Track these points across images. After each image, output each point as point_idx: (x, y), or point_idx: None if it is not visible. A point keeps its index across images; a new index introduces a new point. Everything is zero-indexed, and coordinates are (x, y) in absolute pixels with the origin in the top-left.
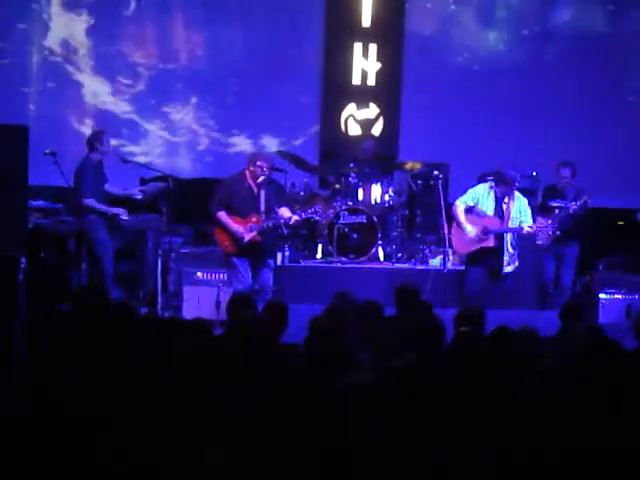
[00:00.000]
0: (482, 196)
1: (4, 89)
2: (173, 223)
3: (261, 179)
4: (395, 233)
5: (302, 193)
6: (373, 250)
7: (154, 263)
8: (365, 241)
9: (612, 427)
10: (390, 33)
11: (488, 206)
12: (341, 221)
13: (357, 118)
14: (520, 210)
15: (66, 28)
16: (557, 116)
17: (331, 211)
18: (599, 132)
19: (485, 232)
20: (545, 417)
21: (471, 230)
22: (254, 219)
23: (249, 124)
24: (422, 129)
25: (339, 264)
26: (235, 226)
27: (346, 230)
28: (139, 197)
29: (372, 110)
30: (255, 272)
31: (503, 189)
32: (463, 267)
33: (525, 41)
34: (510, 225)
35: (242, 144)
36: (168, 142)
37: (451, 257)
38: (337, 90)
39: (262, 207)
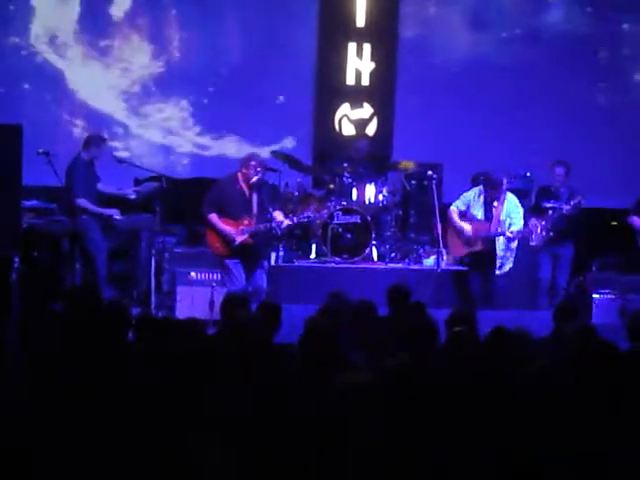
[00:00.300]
0: (473, 200)
1: None
2: (167, 223)
3: (255, 179)
4: (389, 233)
5: (296, 193)
6: (367, 250)
7: (148, 263)
8: (359, 241)
9: (606, 428)
10: (384, 33)
11: (478, 209)
12: (335, 221)
13: (351, 118)
14: (509, 212)
15: (55, 20)
16: (551, 116)
17: (325, 211)
18: (593, 132)
19: (474, 237)
20: (539, 418)
21: (467, 227)
22: (246, 222)
23: (242, 124)
24: (416, 129)
25: (333, 264)
26: (227, 228)
27: (340, 230)
28: (133, 197)
29: (366, 110)
30: (248, 274)
31: (491, 193)
32: (459, 268)
33: (518, 41)
34: (498, 228)
35: (235, 144)
36: (157, 142)
37: (445, 257)
38: (331, 90)
39: (254, 210)
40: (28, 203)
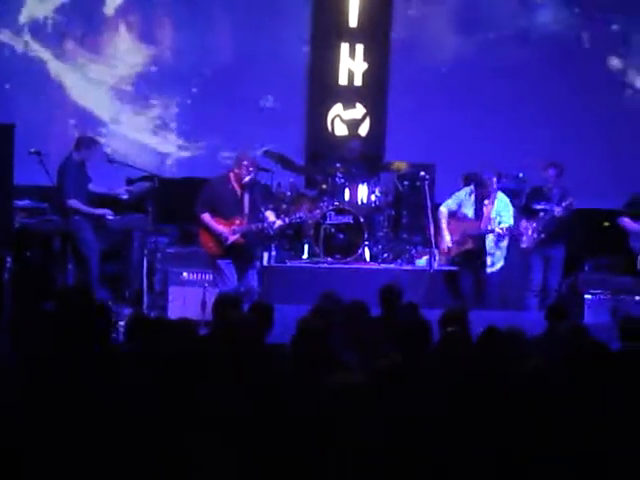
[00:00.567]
0: (464, 199)
1: None
2: (159, 223)
3: (247, 179)
4: (381, 233)
5: (288, 193)
6: (359, 250)
7: (140, 263)
8: (351, 241)
9: (599, 427)
10: (377, 34)
11: (469, 208)
12: (327, 221)
13: (344, 118)
14: (499, 211)
15: (42, 13)
16: (543, 117)
17: (317, 211)
18: (585, 133)
19: (464, 236)
20: (533, 417)
21: (447, 240)
22: (238, 221)
23: (234, 124)
24: (408, 130)
25: (325, 264)
26: (219, 228)
27: (332, 230)
28: (125, 197)
29: (358, 110)
30: (240, 274)
31: (482, 191)
32: (451, 268)
33: (508, 42)
34: (488, 226)
35: (226, 144)
36: (143, 141)
37: (437, 257)
38: (324, 90)
39: (246, 209)
40: (20, 203)
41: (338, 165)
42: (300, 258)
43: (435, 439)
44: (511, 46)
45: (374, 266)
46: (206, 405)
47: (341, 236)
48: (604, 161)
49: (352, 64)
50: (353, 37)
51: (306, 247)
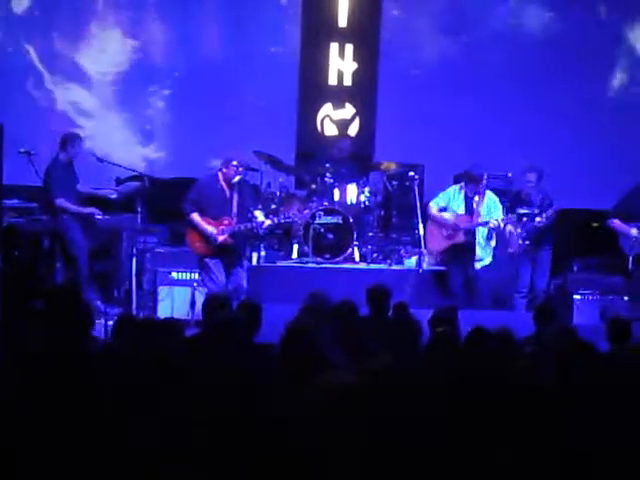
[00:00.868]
0: (453, 196)
1: None
2: (148, 223)
3: (236, 179)
4: (371, 233)
5: (278, 193)
6: (349, 250)
7: (129, 263)
8: (341, 241)
9: (588, 428)
10: (366, 34)
11: (459, 205)
12: (317, 221)
13: (333, 118)
14: (489, 208)
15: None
16: (531, 118)
17: (307, 211)
18: (574, 134)
19: (455, 229)
20: (519, 417)
21: (449, 217)
22: (226, 221)
23: (224, 123)
24: (398, 130)
25: (315, 264)
26: (208, 228)
27: (322, 230)
28: (114, 197)
29: (348, 110)
30: (228, 273)
31: (472, 187)
32: (440, 268)
33: (498, 44)
34: (479, 219)
35: (216, 143)
36: (131, 140)
37: (427, 257)
38: (313, 90)
39: (235, 209)
40: (9, 202)
41: (327, 165)
42: (289, 258)
43: (424, 439)
44: (499, 47)
45: (363, 266)
46: (195, 404)
47: (330, 236)
48: (592, 161)
49: (342, 64)
50: (343, 37)
51: (295, 247)
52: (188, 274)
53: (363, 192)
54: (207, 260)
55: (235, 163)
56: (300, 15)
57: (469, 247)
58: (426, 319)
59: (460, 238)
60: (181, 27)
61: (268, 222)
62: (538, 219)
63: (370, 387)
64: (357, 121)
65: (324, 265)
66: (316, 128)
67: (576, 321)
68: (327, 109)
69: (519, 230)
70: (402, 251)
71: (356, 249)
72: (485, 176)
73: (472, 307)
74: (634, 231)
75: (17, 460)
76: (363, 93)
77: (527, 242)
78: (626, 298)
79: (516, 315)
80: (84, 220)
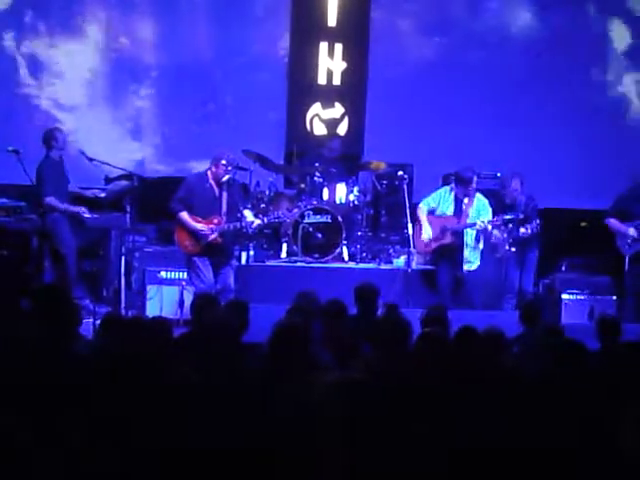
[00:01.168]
0: (443, 197)
1: None
2: (137, 222)
3: (225, 178)
4: (360, 233)
5: (267, 192)
6: (338, 250)
7: (118, 262)
8: (330, 241)
9: (577, 426)
10: (356, 33)
11: (448, 206)
12: (306, 220)
13: (322, 117)
14: (479, 210)
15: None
16: (520, 117)
17: (296, 210)
18: (561, 133)
19: (443, 230)
20: (507, 415)
21: (427, 233)
22: (215, 220)
23: (212, 122)
24: (387, 129)
25: (304, 264)
26: (197, 226)
27: (311, 230)
28: (103, 195)
29: (337, 110)
30: (216, 272)
31: (462, 189)
32: (429, 267)
33: (486, 44)
34: (467, 221)
35: (205, 142)
36: (118, 138)
37: (415, 257)
38: (303, 89)
39: (224, 208)
40: None
41: (317, 164)
42: (278, 257)
43: (412, 438)
44: (487, 47)
45: (352, 265)
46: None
47: (319, 235)
48: (580, 161)
49: (331, 63)
50: (332, 36)
51: (284, 246)
52: (177, 273)
53: (352, 191)
54: (195, 259)
55: (224, 162)
56: (289, 14)
57: (457, 248)
58: (415, 318)
59: (448, 239)
60: (169, 24)
61: (257, 222)
62: (523, 230)
63: (359, 386)
64: (346, 120)
65: (313, 264)
66: (305, 127)
67: (564, 321)
68: (316, 108)
69: (505, 235)
70: (391, 250)
71: (345, 248)
72: (475, 179)
73: (461, 307)
74: (632, 230)
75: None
76: (352, 92)
77: (513, 249)
78: (614, 297)
79: (505, 315)
80: (73, 219)
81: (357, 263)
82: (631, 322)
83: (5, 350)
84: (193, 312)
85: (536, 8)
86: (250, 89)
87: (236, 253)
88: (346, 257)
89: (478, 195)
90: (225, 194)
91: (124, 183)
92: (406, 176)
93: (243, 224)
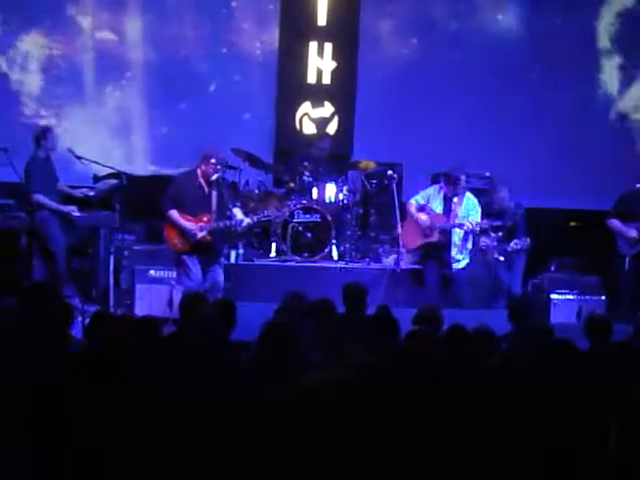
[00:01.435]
0: (432, 196)
1: None
2: (126, 220)
3: (214, 177)
4: (349, 232)
5: (256, 191)
6: (327, 249)
7: (106, 260)
8: (319, 240)
9: (565, 427)
10: (345, 32)
11: (437, 205)
12: (295, 220)
13: (312, 117)
14: (468, 210)
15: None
16: (509, 117)
17: (285, 210)
18: (550, 133)
19: (431, 228)
20: (495, 414)
21: (424, 218)
22: (205, 219)
23: (201, 119)
24: (376, 129)
25: (293, 263)
26: (187, 225)
27: (300, 229)
28: (91, 194)
29: (327, 109)
30: (206, 270)
31: (451, 189)
32: (417, 267)
33: (473, 43)
34: (456, 220)
35: (194, 140)
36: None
37: (405, 256)
38: (292, 88)
39: (213, 207)
40: None
41: (306, 163)
42: (267, 256)
43: (399, 438)
44: (476, 46)
45: (341, 264)
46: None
47: (309, 234)
48: (569, 161)
49: (320, 62)
50: (322, 36)
51: (274, 245)
52: (166, 272)
53: (342, 191)
54: (185, 257)
55: (214, 161)
56: (279, 13)
57: (444, 247)
58: (403, 317)
59: (435, 237)
60: (158, 21)
61: (247, 220)
62: (513, 245)
63: (350, 385)
64: (336, 120)
65: (302, 263)
66: (295, 126)
67: (553, 320)
68: (306, 107)
69: (495, 243)
70: (380, 250)
71: (334, 247)
72: (463, 179)
73: (450, 306)
74: (633, 232)
75: None
76: (342, 92)
77: (502, 258)
78: (603, 297)
79: (494, 314)
80: (62, 217)
81: (346, 262)
82: (623, 322)
83: None
84: (182, 311)
85: (532, 6)
86: (239, 88)
87: (225, 252)
88: (335, 256)
89: (468, 195)
90: (215, 193)
91: (113, 182)
92: (395, 175)
93: (233, 223)
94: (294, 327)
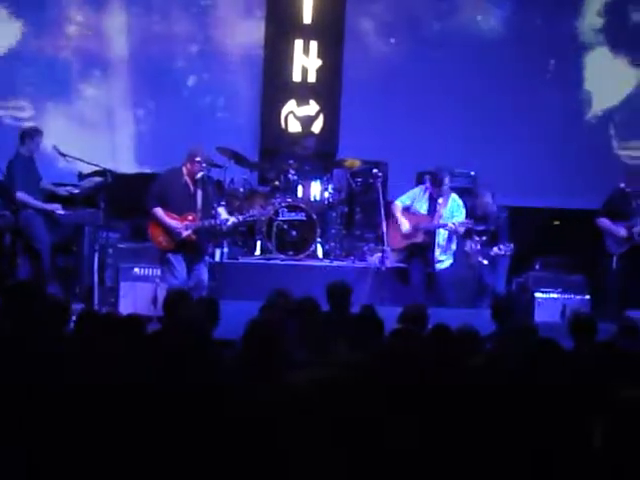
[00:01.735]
0: (418, 196)
1: None
2: (111, 218)
3: (200, 175)
4: (334, 230)
5: (241, 189)
6: (312, 247)
7: (91, 258)
8: (304, 238)
9: (546, 426)
10: (331, 30)
11: (422, 205)
12: (280, 218)
13: (297, 115)
14: (452, 211)
15: None
16: (494, 115)
17: (270, 208)
18: (533, 132)
19: (416, 229)
20: (479, 416)
21: (406, 224)
22: (190, 217)
23: (186, 117)
24: (362, 127)
25: (278, 261)
26: (172, 222)
27: (285, 227)
28: (76, 192)
29: (312, 107)
30: (190, 268)
31: (435, 189)
32: (402, 265)
33: (459, 43)
34: (440, 221)
35: (179, 138)
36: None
37: (389, 255)
38: (277, 86)
39: (199, 205)
40: None
41: (291, 162)
42: (252, 255)
43: (384, 437)
44: (462, 45)
45: (326, 263)
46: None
47: (294, 233)
48: (553, 160)
49: (306, 61)
50: (307, 34)
51: (258, 244)
52: (150, 270)
53: (327, 189)
54: (169, 255)
55: (199, 159)
56: (265, 11)
57: (428, 247)
58: (388, 316)
59: (419, 238)
60: (142, 16)
61: (233, 219)
62: (496, 250)
63: (335, 384)
64: (321, 118)
65: (287, 262)
66: (280, 124)
67: (538, 319)
68: (291, 106)
69: (479, 247)
70: (365, 248)
71: (319, 246)
72: (447, 181)
73: (434, 305)
74: (622, 231)
75: None
76: (327, 90)
77: (485, 261)
78: (587, 296)
79: (479, 313)
80: (46, 215)
81: (331, 261)
82: (608, 321)
83: None
84: (165, 308)
85: (512, 6)
86: (225, 85)
87: (210, 250)
88: (320, 255)
89: (453, 196)
90: (200, 191)
91: (97, 179)
92: (380, 174)
93: (218, 221)
94: (279, 325)
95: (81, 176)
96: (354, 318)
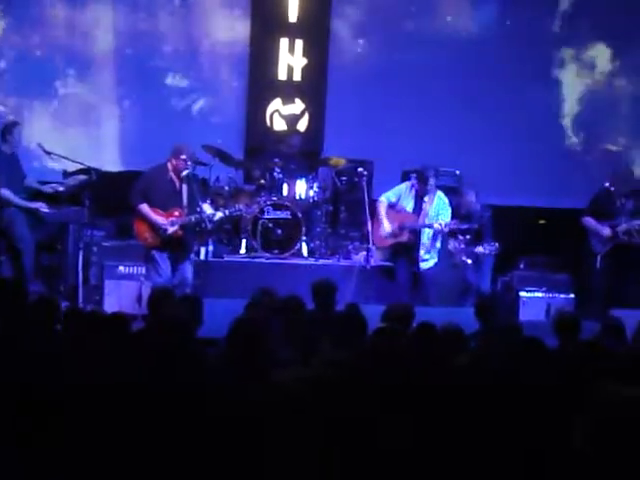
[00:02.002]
0: (404, 193)
1: None
2: (95, 216)
3: (185, 173)
4: (319, 229)
5: (226, 188)
6: (297, 246)
7: (75, 256)
8: (289, 236)
9: (526, 426)
10: (316, 29)
11: (408, 203)
12: (265, 216)
13: (282, 113)
14: (438, 210)
15: None
16: (478, 116)
17: (255, 206)
18: (520, 132)
19: (401, 228)
20: (464, 415)
21: (387, 227)
22: (176, 213)
23: (171, 115)
24: (347, 126)
25: (263, 259)
26: (158, 219)
27: (270, 225)
28: (61, 189)
29: (297, 106)
30: (175, 266)
31: (421, 188)
32: (387, 264)
33: (445, 41)
34: (426, 220)
35: (164, 136)
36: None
37: (374, 253)
38: (263, 85)
39: (184, 201)
40: None
41: (276, 160)
42: (237, 253)
43: (371, 438)
44: (449, 45)
45: (311, 261)
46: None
47: (279, 231)
48: (537, 159)
49: (291, 59)
50: (293, 32)
51: (244, 242)
52: (135, 268)
53: (312, 187)
54: (154, 252)
55: (184, 156)
56: (250, 9)
57: (414, 246)
58: (373, 314)
59: (404, 237)
60: (127, 13)
61: (219, 214)
62: (481, 249)
63: (320, 382)
64: (306, 116)
65: (272, 260)
66: (265, 123)
67: (522, 318)
68: (276, 104)
69: (463, 246)
70: (350, 247)
71: (304, 244)
72: (432, 180)
73: (418, 304)
74: (607, 230)
75: None
76: (313, 89)
77: (470, 260)
78: (572, 295)
79: (463, 312)
80: (30, 213)
81: (316, 259)
82: (592, 320)
83: None
84: (149, 306)
85: (503, 5)
86: (210, 83)
87: (195, 248)
88: (305, 253)
89: (439, 194)
90: (185, 187)
91: (82, 177)
92: (366, 172)
93: (204, 216)
94: (263, 324)
95: (66, 174)
96: (339, 317)
